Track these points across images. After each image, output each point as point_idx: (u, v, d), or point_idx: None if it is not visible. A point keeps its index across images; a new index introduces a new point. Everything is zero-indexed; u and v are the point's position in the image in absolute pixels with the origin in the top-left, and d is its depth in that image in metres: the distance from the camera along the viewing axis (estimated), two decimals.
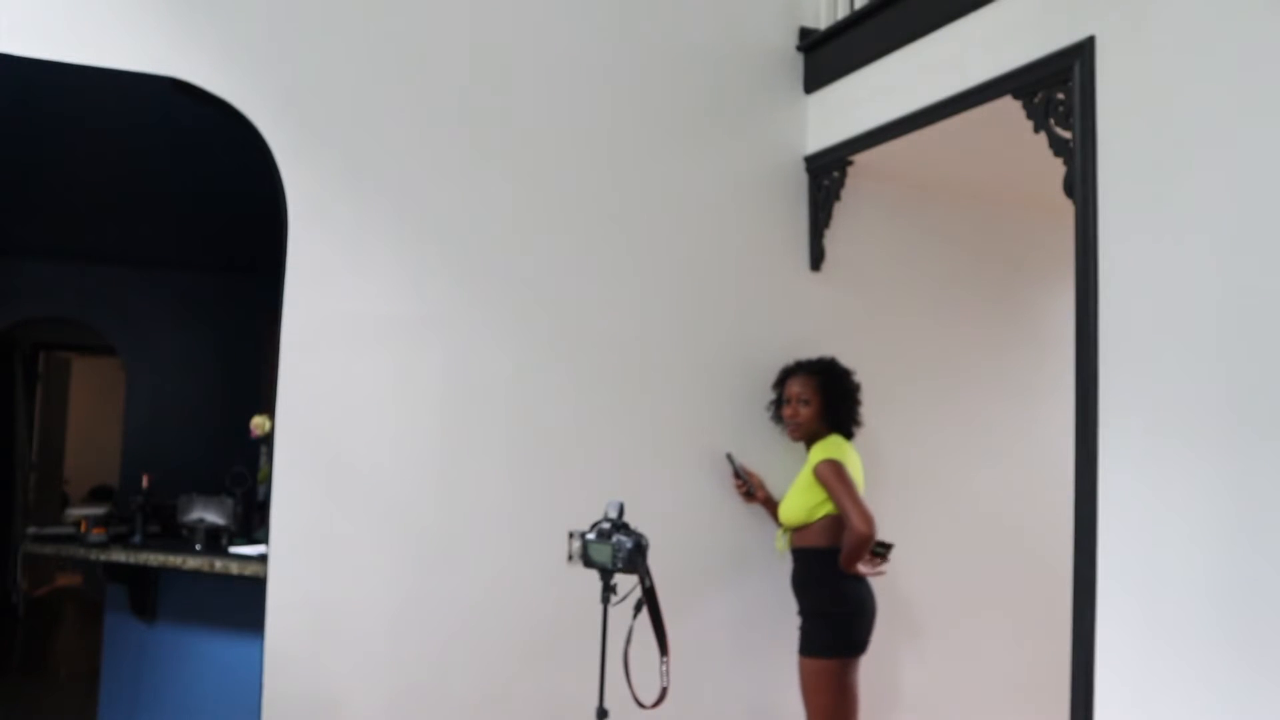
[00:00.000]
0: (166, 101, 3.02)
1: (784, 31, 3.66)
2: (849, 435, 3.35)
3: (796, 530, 3.24)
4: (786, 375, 3.37)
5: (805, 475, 3.23)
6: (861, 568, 3.15)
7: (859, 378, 3.40)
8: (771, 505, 3.42)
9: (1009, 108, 2.84)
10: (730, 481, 3.44)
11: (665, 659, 2.51)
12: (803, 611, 3.21)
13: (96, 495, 8.05)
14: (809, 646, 3.15)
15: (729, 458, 3.44)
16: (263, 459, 4.03)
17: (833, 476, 3.14)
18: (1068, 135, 2.64)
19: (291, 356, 2.95)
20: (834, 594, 3.15)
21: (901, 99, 3.21)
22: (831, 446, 3.23)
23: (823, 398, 3.28)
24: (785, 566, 3.40)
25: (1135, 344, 2.43)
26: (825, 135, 3.57)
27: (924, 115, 3.12)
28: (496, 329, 3.19)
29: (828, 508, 3.19)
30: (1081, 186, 2.56)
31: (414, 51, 3.14)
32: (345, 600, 2.97)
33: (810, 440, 3.33)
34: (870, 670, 3.26)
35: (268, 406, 3.18)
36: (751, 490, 3.41)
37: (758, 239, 3.58)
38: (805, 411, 3.30)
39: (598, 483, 3.11)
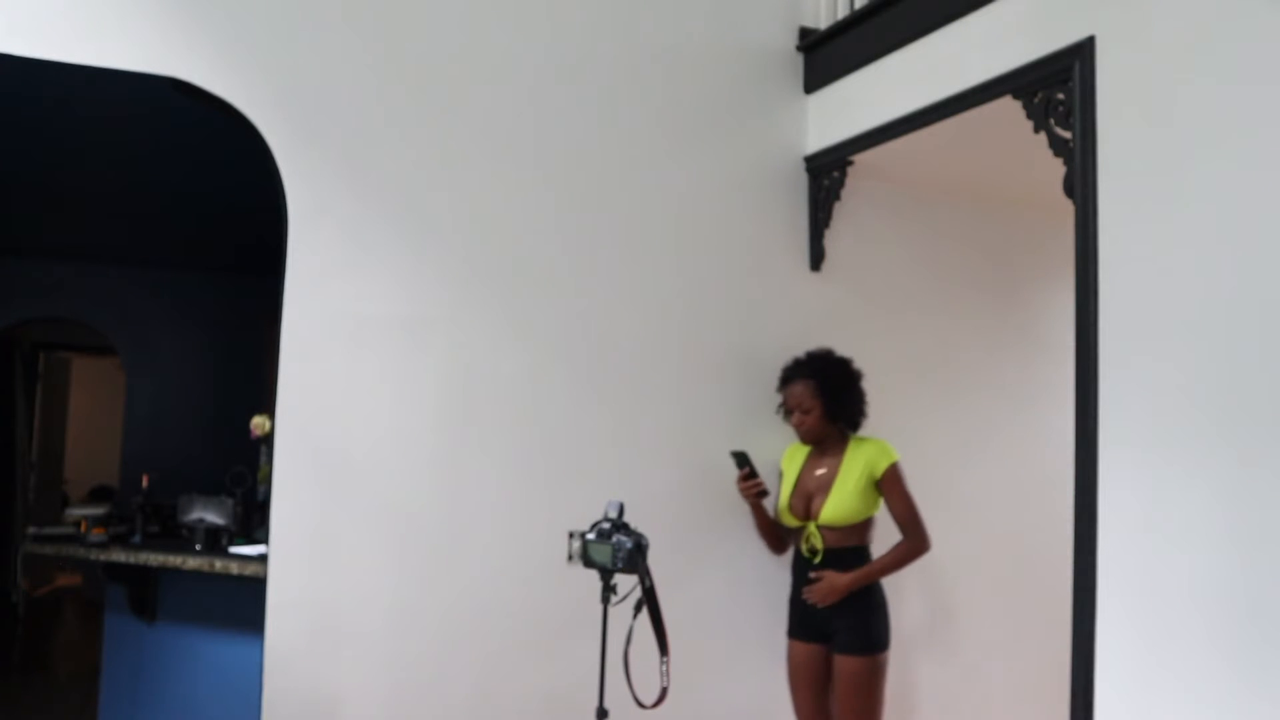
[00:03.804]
0: (166, 101, 3.02)
1: (784, 31, 3.66)
2: (857, 426, 3.33)
3: (834, 531, 3.20)
4: (786, 379, 3.35)
5: (860, 475, 3.19)
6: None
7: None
8: (761, 509, 3.39)
9: (1009, 108, 2.84)
10: (727, 455, 3.36)
11: (665, 659, 2.51)
12: (842, 613, 3.17)
13: (96, 495, 8.06)
14: (862, 645, 3.13)
15: (744, 456, 3.36)
16: (263, 459, 4.03)
17: (901, 482, 3.21)
18: (1068, 135, 2.64)
19: (291, 356, 2.95)
20: (871, 591, 3.20)
21: (901, 99, 3.21)
22: (888, 447, 3.25)
23: (823, 401, 3.26)
24: (788, 567, 3.40)
25: (1135, 344, 2.43)
26: (825, 135, 3.57)
27: (924, 115, 3.12)
28: (496, 329, 3.19)
29: (876, 509, 3.23)
30: (1081, 186, 2.56)
31: (414, 52, 3.14)
32: (345, 600, 2.97)
33: (820, 441, 3.32)
34: None
35: (268, 406, 3.18)
36: (766, 490, 3.37)
37: (758, 239, 3.58)
38: (808, 420, 3.28)
39: (598, 483, 3.11)
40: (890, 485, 3.21)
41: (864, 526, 3.24)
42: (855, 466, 3.22)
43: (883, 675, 3.15)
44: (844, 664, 3.14)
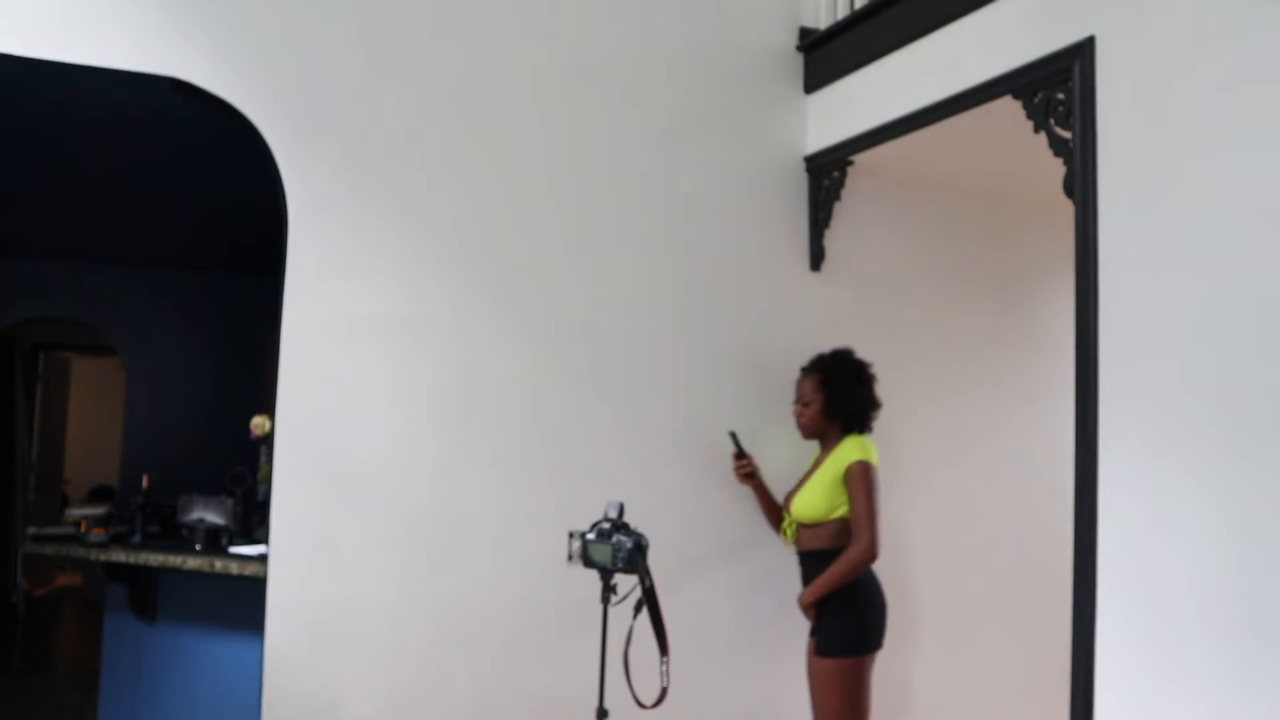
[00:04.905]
0: (166, 101, 3.02)
1: (784, 31, 3.66)
2: (862, 431, 3.29)
3: (807, 528, 3.21)
4: (803, 372, 3.36)
5: (831, 471, 3.18)
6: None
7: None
8: (763, 492, 3.41)
9: (1009, 108, 2.84)
10: (728, 457, 3.40)
11: (665, 659, 2.51)
12: (822, 616, 3.15)
13: (96, 495, 8.06)
14: (828, 648, 3.10)
15: (733, 436, 3.39)
16: (263, 459, 4.03)
17: (863, 482, 3.11)
18: (1068, 135, 2.64)
19: (291, 356, 2.95)
20: (848, 593, 3.12)
21: (901, 99, 3.21)
22: (867, 447, 3.20)
23: (824, 398, 3.26)
24: (790, 567, 3.40)
25: (1135, 344, 2.43)
26: (825, 135, 3.57)
27: (924, 115, 3.12)
28: (497, 329, 3.19)
29: (847, 508, 3.18)
30: (1081, 186, 2.56)
31: (414, 51, 3.14)
32: (345, 600, 2.97)
33: (820, 437, 3.33)
34: (875, 669, 3.25)
35: (268, 406, 3.18)
36: (754, 471, 3.38)
37: (758, 239, 3.58)
38: (806, 413, 3.30)
39: (598, 483, 3.11)
40: (851, 482, 3.13)
41: (837, 529, 3.17)
42: (830, 463, 3.22)
43: (855, 679, 3.07)
44: (814, 666, 3.14)
